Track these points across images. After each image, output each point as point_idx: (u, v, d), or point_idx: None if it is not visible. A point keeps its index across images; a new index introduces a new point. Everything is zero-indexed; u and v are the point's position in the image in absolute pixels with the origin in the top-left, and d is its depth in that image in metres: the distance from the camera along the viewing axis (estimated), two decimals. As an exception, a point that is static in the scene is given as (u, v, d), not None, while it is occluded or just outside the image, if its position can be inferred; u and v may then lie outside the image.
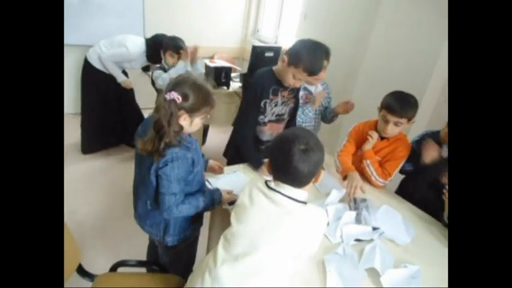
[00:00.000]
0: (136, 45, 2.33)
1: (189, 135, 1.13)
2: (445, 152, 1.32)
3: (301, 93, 1.79)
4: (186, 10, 3.35)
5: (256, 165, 1.48)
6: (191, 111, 1.02)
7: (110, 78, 2.44)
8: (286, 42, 3.48)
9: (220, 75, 2.54)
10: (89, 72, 2.43)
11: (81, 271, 1.18)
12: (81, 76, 2.49)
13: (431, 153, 1.32)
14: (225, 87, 2.60)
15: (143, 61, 2.41)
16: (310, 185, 0.92)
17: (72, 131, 2.71)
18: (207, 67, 2.59)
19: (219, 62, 2.69)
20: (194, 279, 0.94)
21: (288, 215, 0.87)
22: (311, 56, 1.34)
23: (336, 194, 1.32)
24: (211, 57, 3.46)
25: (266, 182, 0.92)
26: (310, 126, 1.90)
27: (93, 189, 2.29)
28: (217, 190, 1.22)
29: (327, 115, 1.93)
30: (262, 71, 1.50)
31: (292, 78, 1.39)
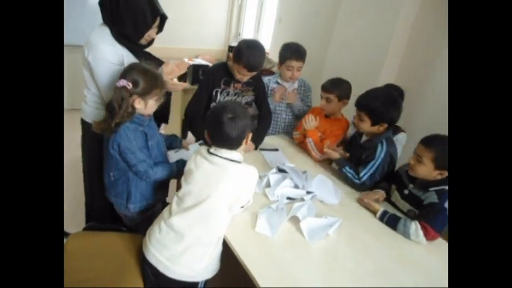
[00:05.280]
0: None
1: (148, 115, 1.29)
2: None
3: (273, 85, 1.96)
4: (172, 14, 3.57)
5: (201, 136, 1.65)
6: (143, 94, 1.18)
7: None
8: (264, 44, 3.73)
9: (198, 72, 2.77)
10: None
11: (57, 228, 1.38)
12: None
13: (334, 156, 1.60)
14: (196, 91, 2.82)
15: None
16: (243, 146, 1.14)
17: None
18: (186, 65, 2.82)
19: (197, 61, 2.92)
20: (152, 230, 1.15)
21: (225, 172, 1.08)
22: (251, 53, 1.51)
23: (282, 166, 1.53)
24: (195, 57, 3.70)
25: (208, 149, 1.13)
26: (276, 119, 1.99)
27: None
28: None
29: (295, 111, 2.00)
30: (217, 63, 1.71)
31: (237, 73, 1.59)
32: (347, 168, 1.53)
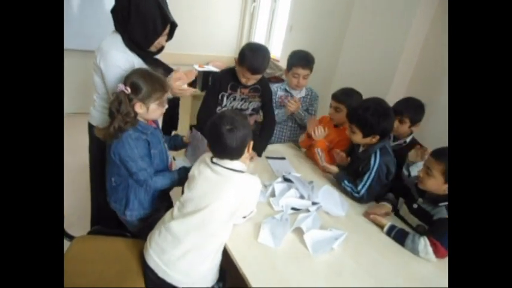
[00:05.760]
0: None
1: (154, 122, 1.31)
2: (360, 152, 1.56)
3: (280, 93, 1.96)
4: (183, 19, 3.61)
5: None
6: (143, 99, 1.16)
7: None
8: (275, 53, 3.74)
9: (208, 79, 2.79)
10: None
11: (62, 231, 1.39)
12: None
13: (338, 159, 1.59)
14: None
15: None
16: (246, 155, 1.13)
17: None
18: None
19: (207, 67, 2.94)
20: (153, 233, 1.15)
21: (227, 181, 1.08)
22: (253, 56, 1.52)
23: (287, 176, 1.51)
24: (206, 64, 3.73)
25: (211, 158, 1.13)
26: (282, 127, 2.01)
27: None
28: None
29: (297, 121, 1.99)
30: (225, 69, 1.71)
31: (242, 76, 1.59)
32: (345, 182, 1.50)
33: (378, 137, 1.43)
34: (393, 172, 1.47)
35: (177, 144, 1.55)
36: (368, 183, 1.44)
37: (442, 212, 1.19)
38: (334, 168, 1.55)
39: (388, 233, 1.26)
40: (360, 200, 1.46)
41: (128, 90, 1.14)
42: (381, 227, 1.30)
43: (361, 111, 1.40)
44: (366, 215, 1.37)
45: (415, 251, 1.17)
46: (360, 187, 1.45)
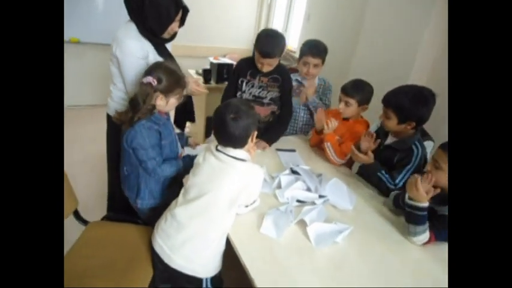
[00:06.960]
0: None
1: (166, 113, 1.35)
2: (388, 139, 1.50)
3: (293, 83, 1.90)
4: (201, 11, 3.63)
5: None
6: (165, 92, 1.22)
7: None
8: (292, 44, 3.69)
9: (223, 71, 2.79)
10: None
11: (77, 216, 1.46)
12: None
13: (365, 144, 1.50)
14: (227, 82, 2.85)
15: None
16: (249, 145, 1.13)
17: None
18: (211, 64, 2.86)
19: (223, 60, 2.94)
20: (160, 220, 1.19)
21: (230, 168, 1.09)
22: (265, 39, 1.54)
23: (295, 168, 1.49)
24: (223, 56, 3.73)
25: (216, 146, 1.14)
26: (295, 117, 1.97)
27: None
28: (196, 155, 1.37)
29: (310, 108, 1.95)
30: (246, 56, 1.74)
31: (257, 62, 1.60)
32: (383, 172, 1.43)
33: (413, 124, 1.36)
34: (424, 167, 1.40)
35: (181, 143, 1.58)
36: (407, 175, 1.37)
37: (446, 210, 1.14)
38: (371, 156, 1.45)
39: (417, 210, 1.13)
40: (391, 191, 1.40)
41: (155, 82, 1.18)
42: (411, 199, 1.15)
43: (400, 96, 1.34)
44: (416, 180, 1.15)
45: (410, 227, 1.15)
46: (398, 179, 1.39)
